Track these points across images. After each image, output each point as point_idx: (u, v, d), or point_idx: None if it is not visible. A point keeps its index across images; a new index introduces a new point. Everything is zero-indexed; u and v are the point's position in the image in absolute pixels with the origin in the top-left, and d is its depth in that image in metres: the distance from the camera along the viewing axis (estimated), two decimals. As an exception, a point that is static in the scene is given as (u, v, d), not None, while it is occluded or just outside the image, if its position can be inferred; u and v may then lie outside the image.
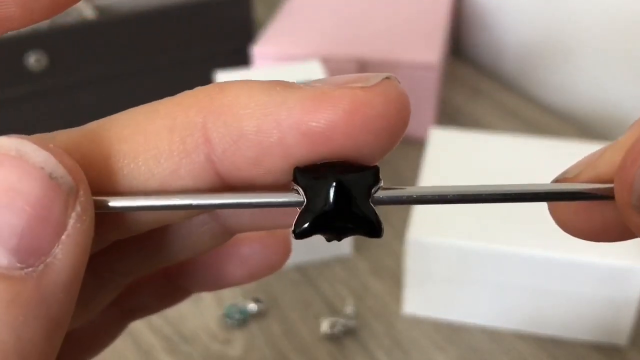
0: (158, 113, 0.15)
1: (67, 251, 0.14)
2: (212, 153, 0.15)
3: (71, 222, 0.14)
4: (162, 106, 0.15)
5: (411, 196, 0.15)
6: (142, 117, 0.15)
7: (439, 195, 0.15)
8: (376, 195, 0.15)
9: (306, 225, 0.15)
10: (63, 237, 0.14)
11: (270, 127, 0.14)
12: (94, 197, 0.14)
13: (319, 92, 0.15)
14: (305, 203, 0.15)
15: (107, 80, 0.68)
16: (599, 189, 0.15)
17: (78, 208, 0.14)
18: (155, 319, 0.50)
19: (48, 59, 0.64)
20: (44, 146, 0.14)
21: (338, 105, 0.14)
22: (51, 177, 0.13)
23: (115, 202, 0.15)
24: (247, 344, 0.49)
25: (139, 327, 0.50)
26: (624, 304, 0.45)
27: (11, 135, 0.14)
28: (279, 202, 0.15)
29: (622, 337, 0.47)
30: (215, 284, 0.21)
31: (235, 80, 0.15)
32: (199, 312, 0.51)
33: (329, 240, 0.16)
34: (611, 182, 0.14)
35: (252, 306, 0.50)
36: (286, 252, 0.21)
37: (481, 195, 0.15)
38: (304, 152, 0.15)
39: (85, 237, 0.14)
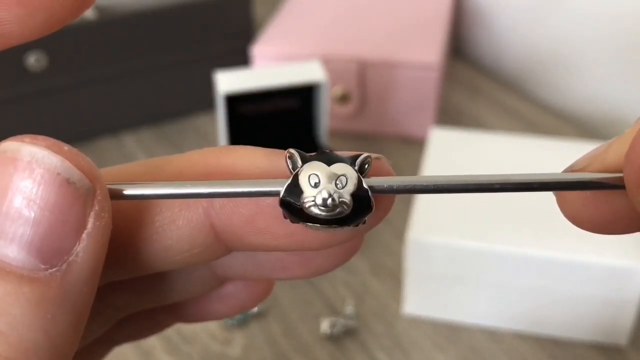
0: (168, 165, 0.17)
1: (87, 248, 0.14)
2: (211, 208, 0.16)
3: (91, 220, 0.14)
4: (172, 159, 0.17)
5: (420, 184, 0.16)
6: (153, 167, 0.17)
7: (451, 184, 0.16)
8: (379, 183, 0.16)
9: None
10: (83, 235, 0.14)
11: None
12: (109, 186, 0.15)
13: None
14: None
15: (107, 80, 0.68)
16: (608, 177, 0.15)
17: (96, 207, 0.14)
18: (155, 319, 0.50)
19: (48, 59, 0.64)
20: (58, 149, 0.14)
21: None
22: (69, 182, 0.14)
23: (129, 191, 0.15)
24: (247, 344, 0.49)
25: (139, 327, 0.50)
26: (624, 304, 0.45)
27: (25, 136, 0.14)
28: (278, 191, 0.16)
29: (622, 337, 0.47)
30: (197, 318, 0.22)
31: (241, 146, 0.17)
32: (199, 312, 0.51)
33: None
34: (620, 172, 0.14)
35: (252, 306, 0.50)
36: (268, 290, 0.21)
37: (493, 184, 0.15)
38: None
39: (105, 232, 0.14)
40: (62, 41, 0.64)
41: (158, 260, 0.17)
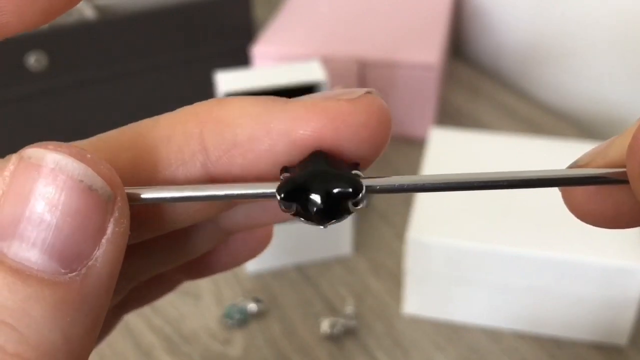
0: (159, 125, 0.17)
1: (107, 253, 0.14)
2: (208, 161, 0.16)
3: (110, 226, 0.14)
4: (162, 119, 0.17)
5: (428, 182, 0.16)
6: (144, 129, 0.17)
7: (458, 182, 0.16)
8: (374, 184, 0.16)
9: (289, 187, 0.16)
10: (103, 240, 0.14)
11: (261, 134, 0.16)
12: (127, 191, 0.15)
13: (308, 103, 0.16)
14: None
15: (107, 80, 0.68)
16: (611, 172, 0.15)
17: (116, 213, 0.15)
18: (155, 319, 0.50)
19: (48, 59, 0.64)
20: (81, 157, 0.14)
21: (325, 114, 0.16)
22: (91, 189, 0.14)
23: (146, 194, 0.16)
24: (247, 344, 0.49)
25: (139, 327, 0.50)
26: (624, 304, 0.45)
27: (49, 143, 0.14)
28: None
29: (622, 337, 0.47)
30: (204, 272, 0.22)
31: (231, 97, 0.17)
32: (199, 312, 0.51)
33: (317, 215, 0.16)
34: (622, 167, 0.15)
35: (252, 306, 0.50)
36: (268, 237, 0.22)
37: (500, 181, 0.16)
38: (292, 160, 0.16)
39: (123, 237, 0.15)
40: (62, 41, 0.64)
41: (164, 220, 0.17)
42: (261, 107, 0.16)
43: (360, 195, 0.15)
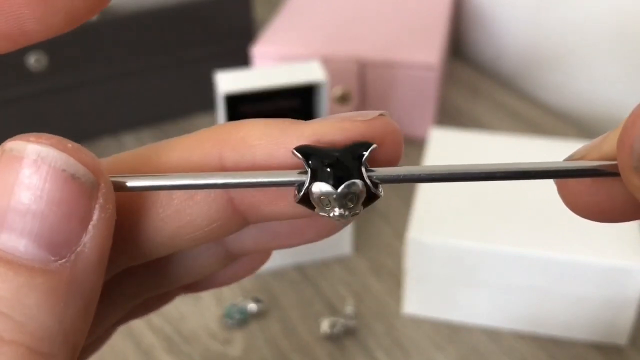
0: (178, 145, 0.17)
1: (94, 238, 0.15)
2: None
3: (96, 212, 0.15)
4: (181, 140, 0.17)
5: (424, 173, 0.16)
6: (163, 149, 0.17)
7: (453, 173, 0.16)
8: (380, 171, 0.16)
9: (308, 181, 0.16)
10: (89, 227, 0.15)
11: (280, 155, 0.16)
12: (113, 179, 0.16)
13: (325, 124, 0.16)
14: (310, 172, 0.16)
15: (107, 80, 0.68)
16: (604, 165, 0.15)
17: (101, 200, 0.15)
18: (155, 319, 0.50)
19: (48, 59, 0.64)
20: (62, 147, 0.14)
21: (342, 135, 0.16)
22: (73, 177, 0.14)
23: (132, 183, 0.16)
24: (247, 344, 0.49)
25: (139, 327, 0.50)
26: (624, 304, 0.45)
27: (30, 135, 0.14)
28: (288, 181, 0.16)
29: (622, 337, 0.47)
30: (202, 288, 0.22)
31: (249, 119, 0.17)
32: (199, 312, 0.51)
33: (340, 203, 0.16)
34: (615, 160, 0.15)
35: (252, 306, 0.50)
36: (268, 252, 0.22)
37: (494, 173, 0.16)
38: None
39: (109, 223, 0.15)
40: (62, 41, 0.64)
41: (178, 238, 0.17)
42: (279, 128, 0.16)
43: (371, 148, 0.16)
